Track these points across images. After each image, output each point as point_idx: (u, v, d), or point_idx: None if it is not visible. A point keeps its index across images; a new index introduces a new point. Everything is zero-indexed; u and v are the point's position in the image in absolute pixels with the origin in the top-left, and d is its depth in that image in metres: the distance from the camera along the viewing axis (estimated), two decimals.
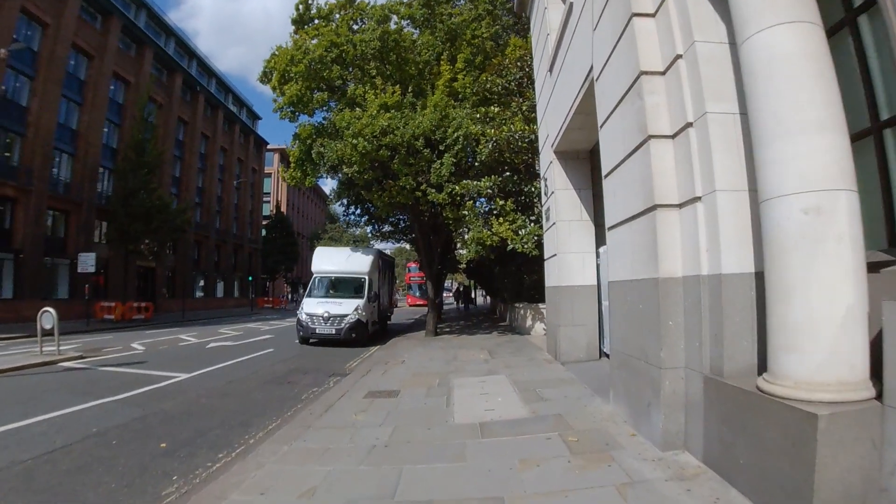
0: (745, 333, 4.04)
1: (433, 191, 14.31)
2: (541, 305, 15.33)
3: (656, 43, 4.98)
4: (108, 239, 33.40)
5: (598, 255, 9.87)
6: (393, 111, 14.09)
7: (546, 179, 11.03)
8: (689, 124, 4.50)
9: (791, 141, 3.45)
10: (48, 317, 12.48)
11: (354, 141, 13.53)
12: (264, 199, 66.67)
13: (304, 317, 15.80)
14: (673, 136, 4.77)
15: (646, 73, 4.94)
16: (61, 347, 13.85)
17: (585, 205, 10.08)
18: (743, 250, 4.09)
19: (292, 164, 17.04)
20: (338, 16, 16.85)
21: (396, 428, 5.85)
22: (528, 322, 16.18)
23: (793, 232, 3.38)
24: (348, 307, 15.69)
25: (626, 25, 5.19)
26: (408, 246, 35.59)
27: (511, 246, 13.37)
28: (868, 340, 3.24)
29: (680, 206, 4.64)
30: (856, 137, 3.76)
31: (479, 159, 14.18)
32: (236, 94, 58.85)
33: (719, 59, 4.40)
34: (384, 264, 21.34)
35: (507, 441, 5.15)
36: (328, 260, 18.23)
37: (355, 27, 16.67)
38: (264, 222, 64.12)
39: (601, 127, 6.36)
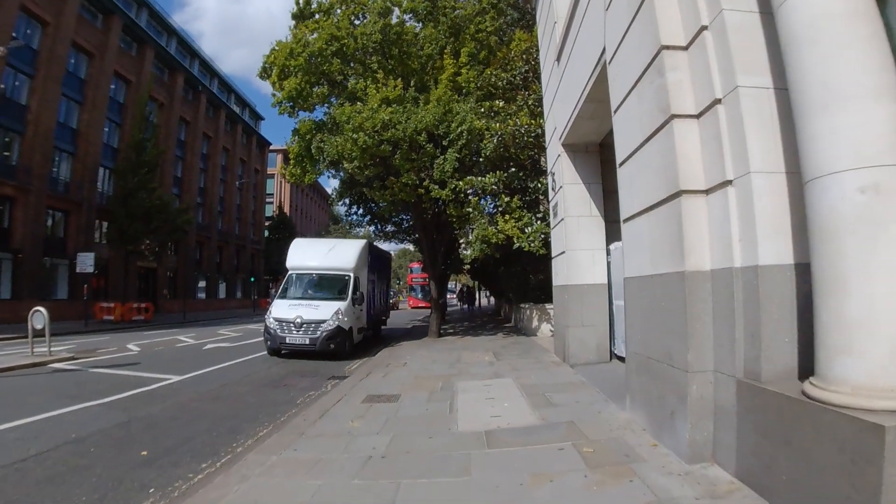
0: (785, 332, 3.58)
1: (436, 187, 13.86)
2: (547, 306, 14.89)
3: (677, 15, 4.53)
4: (108, 239, 33.08)
5: (608, 253, 9.43)
6: (395, 105, 13.64)
7: (554, 174, 10.57)
8: (718, 101, 4.05)
9: (843, 110, 3.00)
10: (39, 317, 12.11)
11: (354, 135, 13.07)
12: (267, 200, 66.36)
13: (271, 322, 12.88)
14: (698, 116, 4.32)
15: (667, 47, 4.49)
16: (55, 348, 13.56)
17: (595, 200, 9.63)
18: (781, 239, 3.64)
19: (291, 161, 16.62)
20: (339, 10, 16.42)
21: (395, 436, 5.40)
22: (535, 323, 15.72)
23: (847, 214, 2.93)
24: (326, 311, 12.75)
25: None
26: (412, 247, 35.18)
27: (517, 244, 12.92)
28: None
29: (707, 191, 4.19)
30: None
31: (483, 154, 13.73)
32: (239, 94, 58.58)
33: (749, 29, 3.95)
34: (376, 260, 18.12)
35: (516, 452, 4.69)
36: (305, 253, 15.15)
37: (357, 22, 16.24)
38: (267, 223, 63.79)
39: (615, 112, 5.91)
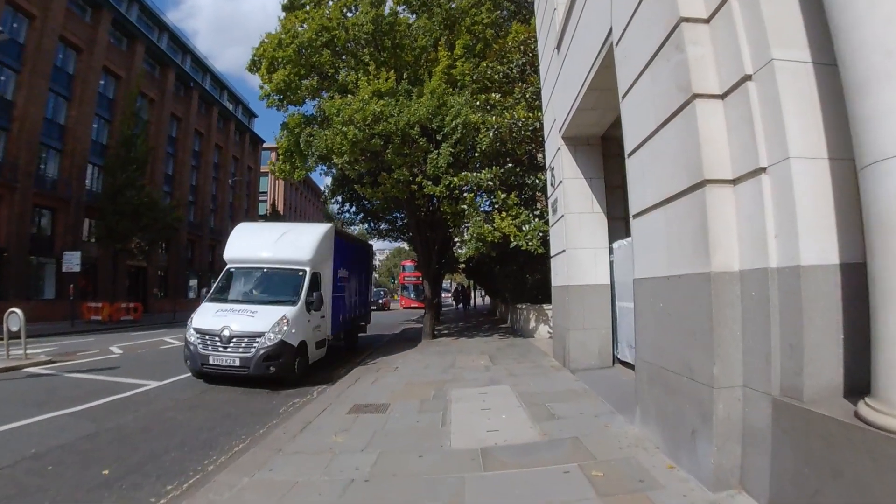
0: (831, 343, 3.08)
1: (429, 183, 13.30)
2: (545, 307, 14.38)
3: None
4: (97, 237, 32.40)
5: (611, 251, 8.93)
6: (387, 98, 13.08)
7: (553, 168, 10.06)
8: (748, 77, 3.55)
9: None
10: (14, 318, 11.55)
11: (344, 128, 12.50)
12: (260, 198, 65.54)
13: (191, 335, 9.42)
14: (723, 96, 3.82)
15: (687, 19, 3.99)
16: (35, 350, 13.02)
17: (597, 195, 9.13)
18: (826, 235, 3.13)
19: (280, 156, 16.05)
20: (331, 1, 15.88)
21: (382, 454, 4.88)
22: (532, 324, 15.21)
23: None
24: (266, 319, 9.26)
25: None
26: (406, 246, 34.60)
27: (514, 243, 12.39)
28: None
29: (734, 181, 3.68)
30: None
31: (479, 149, 13.20)
32: (232, 91, 57.76)
33: None
34: (348, 251, 13.93)
35: (516, 476, 4.16)
36: (247, 242, 11.55)
37: (349, 15, 15.69)
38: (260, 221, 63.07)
39: (623, 98, 5.41)
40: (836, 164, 3.18)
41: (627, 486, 3.82)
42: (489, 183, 12.96)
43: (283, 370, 9.17)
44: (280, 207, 64.84)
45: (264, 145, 64.82)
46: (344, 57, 15.56)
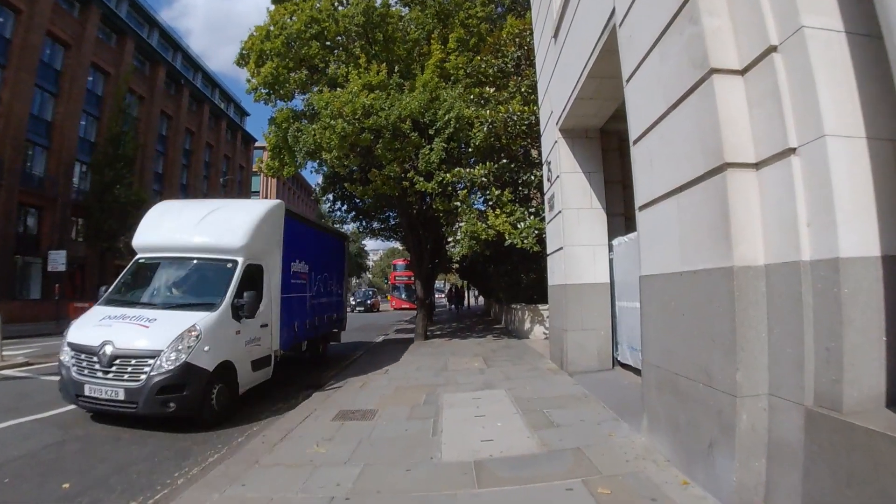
0: (872, 346, 2.70)
1: (421, 179, 12.85)
2: (541, 307, 14.00)
3: None
4: (84, 236, 31.78)
5: (610, 249, 8.55)
6: (377, 91, 12.65)
7: (550, 163, 9.68)
8: (773, 49, 3.17)
9: None
10: None
11: (332, 122, 12.03)
12: (252, 197, 64.97)
13: (65, 353, 6.79)
14: (743, 72, 3.45)
15: None
16: (14, 352, 12.58)
17: (596, 190, 8.75)
18: (867, 223, 2.75)
19: (269, 153, 15.59)
20: None
21: (366, 467, 4.46)
22: (527, 325, 14.81)
23: None
24: (162, 333, 6.50)
25: None
26: (400, 245, 34.11)
27: (509, 241, 11.98)
28: None
29: (757, 165, 3.30)
30: None
31: (472, 144, 12.78)
32: (224, 89, 57.09)
33: None
34: (308, 239, 10.73)
35: (513, 493, 3.75)
36: (163, 224, 8.50)
37: (340, 8, 15.26)
38: None
39: (628, 81, 5.02)
40: (877, 145, 2.81)
41: None
42: (483, 179, 12.56)
43: (188, 405, 6.25)
44: None
45: (256, 144, 64.20)
46: (336, 51, 15.14)
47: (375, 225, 22.79)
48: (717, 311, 3.39)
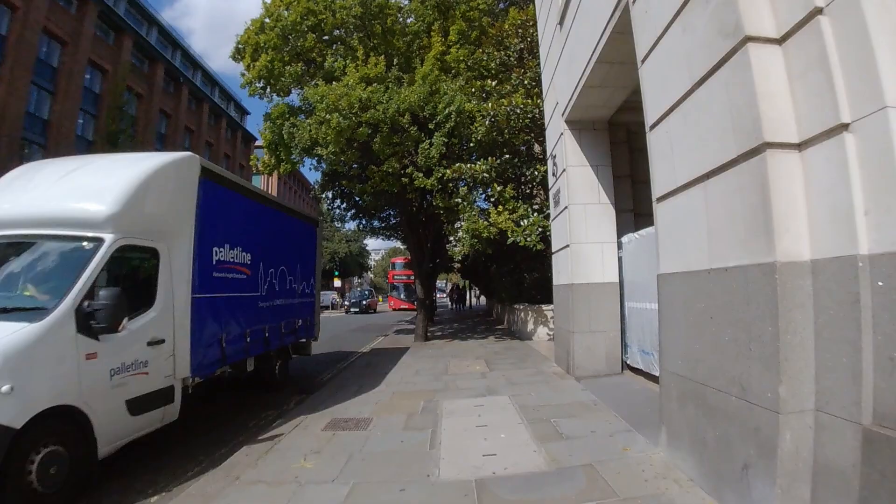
0: None
1: (421, 175, 12.41)
2: (545, 307, 13.54)
3: None
4: None
5: (620, 246, 8.12)
6: (375, 84, 12.20)
7: (555, 156, 9.24)
8: (818, 10, 2.74)
9: None
10: None
11: (328, 116, 11.57)
12: None
13: None
14: (781, 40, 3.01)
15: None
16: None
17: (604, 185, 8.31)
18: None
19: (265, 150, 15.15)
20: None
21: (356, 487, 4.02)
22: (530, 326, 14.35)
23: None
24: None
25: None
26: (401, 244, 33.59)
27: (511, 239, 11.54)
28: None
29: (801, 145, 2.87)
30: None
31: (474, 139, 12.34)
32: (224, 87, 56.67)
33: None
34: (252, 216, 7.74)
35: None
36: (6, 194, 5.41)
37: (338, 1, 14.84)
38: None
39: (643, 62, 4.59)
40: None
41: None
42: (485, 175, 12.11)
43: None
44: None
45: (256, 143, 63.82)
46: (334, 46, 14.71)
47: (376, 223, 22.31)
48: (756, 315, 2.94)
